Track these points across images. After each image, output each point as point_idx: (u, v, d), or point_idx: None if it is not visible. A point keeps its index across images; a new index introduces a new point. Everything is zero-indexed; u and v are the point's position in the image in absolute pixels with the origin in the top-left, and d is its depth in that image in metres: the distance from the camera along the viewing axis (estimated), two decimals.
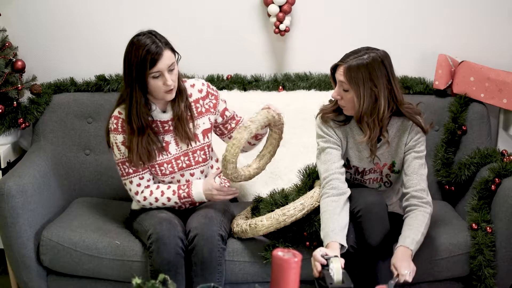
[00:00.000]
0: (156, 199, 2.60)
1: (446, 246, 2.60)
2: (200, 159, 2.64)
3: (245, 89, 3.18)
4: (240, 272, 2.60)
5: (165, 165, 2.60)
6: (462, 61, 3.12)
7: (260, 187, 2.96)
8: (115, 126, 2.55)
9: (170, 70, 2.47)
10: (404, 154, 2.50)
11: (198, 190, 2.58)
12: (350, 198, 2.46)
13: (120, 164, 2.59)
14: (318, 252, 2.18)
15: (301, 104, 3.07)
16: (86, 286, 2.67)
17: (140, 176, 2.60)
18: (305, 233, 2.56)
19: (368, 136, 2.41)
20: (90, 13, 3.20)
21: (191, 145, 2.62)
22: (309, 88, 3.15)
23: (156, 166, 2.59)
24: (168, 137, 2.61)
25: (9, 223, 2.57)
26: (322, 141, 2.51)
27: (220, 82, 3.18)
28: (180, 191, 2.59)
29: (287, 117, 3.07)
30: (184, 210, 2.67)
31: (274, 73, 3.25)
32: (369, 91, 2.35)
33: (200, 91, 2.63)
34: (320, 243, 2.51)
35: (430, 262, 2.58)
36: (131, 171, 2.58)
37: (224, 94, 3.14)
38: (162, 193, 2.60)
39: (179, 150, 2.61)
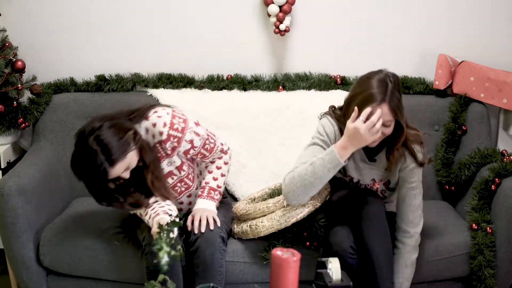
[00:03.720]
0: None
1: (446, 246, 2.61)
2: (183, 188, 2.62)
3: (245, 89, 3.18)
4: (241, 273, 2.60)
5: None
6: (462, 61, 3.12)
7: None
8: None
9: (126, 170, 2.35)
10: (398, 175, 2.49)
11: None
12: (350, 201, 2.46)
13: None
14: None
15: (301, 104, 3.07)
16: (86, 286, 2.67)
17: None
18: (305, 233, 2.56)
19: (399, 156, 2.42)
20: (90, 13, 3.19)
21: (180, 174, 2.58)
22: (309, 88, 3.15)
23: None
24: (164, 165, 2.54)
25: (9, 223, 2.57)
26: (319, 138, 2.46)
27: (220, 82, 3.18)
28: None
29: (287, 117, 3.08)
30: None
31: (274, 73, 3.25)
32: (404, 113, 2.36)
33: (161, 133, 2.42)
34: (320, 243, 2.52)
35: (430, 262, 2.58)
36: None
37: (224, 94, 3.16)
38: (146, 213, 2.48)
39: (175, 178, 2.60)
